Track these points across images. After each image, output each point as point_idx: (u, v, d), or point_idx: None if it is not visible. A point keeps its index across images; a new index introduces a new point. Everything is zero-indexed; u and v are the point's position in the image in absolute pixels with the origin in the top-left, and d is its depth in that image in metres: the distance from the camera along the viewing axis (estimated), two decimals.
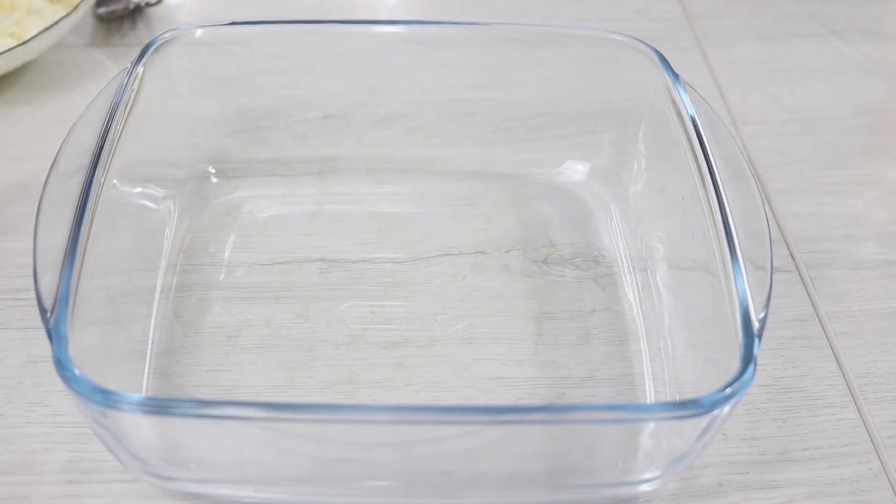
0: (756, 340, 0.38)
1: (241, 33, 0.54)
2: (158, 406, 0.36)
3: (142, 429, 0.38)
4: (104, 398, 0.35)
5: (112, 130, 0.45)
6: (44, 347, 0.37)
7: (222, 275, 0.51)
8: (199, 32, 0.52)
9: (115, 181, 0.44)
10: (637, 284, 0.51)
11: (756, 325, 0.39)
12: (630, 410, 0.39)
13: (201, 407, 0.37)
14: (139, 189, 0.50)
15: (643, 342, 0.49)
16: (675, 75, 0.49)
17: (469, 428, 0.38)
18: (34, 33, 0.60)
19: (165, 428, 0.38)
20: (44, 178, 0.42)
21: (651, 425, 0.39)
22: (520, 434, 0.39)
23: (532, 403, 0.46)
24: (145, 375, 0.46)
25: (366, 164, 0.57)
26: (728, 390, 0.36)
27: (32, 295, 0.38)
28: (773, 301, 0.40)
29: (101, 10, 0.69)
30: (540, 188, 0.57)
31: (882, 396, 0.48)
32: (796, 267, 0.54)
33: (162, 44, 0.50)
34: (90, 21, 0.70)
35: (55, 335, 0.37)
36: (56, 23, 0.61)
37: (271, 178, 0.57)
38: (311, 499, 0.42)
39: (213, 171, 0.56)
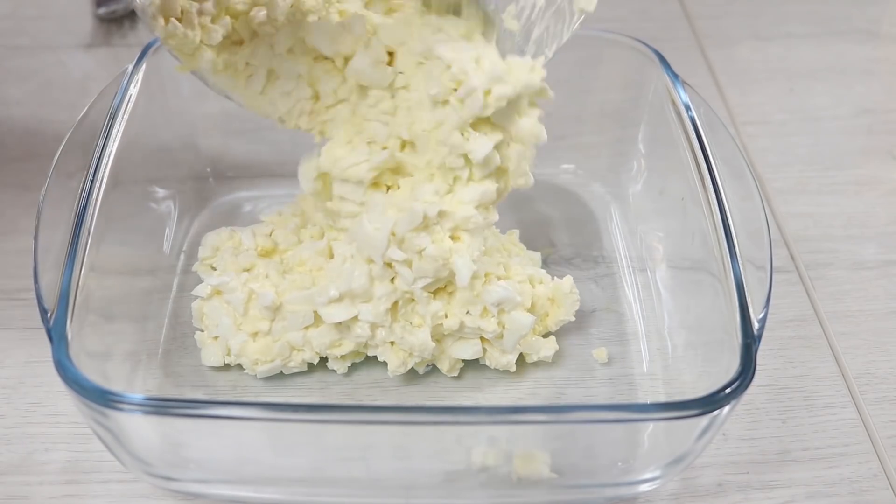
0: (755, 341, 0.38)
1: None
2: (158, 406, 0.36)
3: (142, 429, 0.38)
4: (104, 398, 0.35)
5: (112, 130, 0.45)
6: (44, 347, 0.37)
7: None
8: None
9: (115, 181, 0.44)
10: (637, 284, 0.51)
11: (755, 325, 0.39)
12: (630, 410, 0.39)
13: (201, 407, 0.37)
14: (139, 189, 0.50)
15: (643, 342, 0.49)
16: (675, 75, 0.49)
17: (469, 428, 0.38)
18: None
19: (166, 428, 0.38)
20: (44, 179, 0.42)
21: (651, 425, 0.38)
22: (520, 434, 0.39)
23: (532, 403, 0.46)
24: (145, 375, 0.46)
25: None
26: (727, 390, 0.36)
27: (32, 295, 0.38)
28: (772, 301, 0.40)
29: (101, 10, 0.69)
30: (540, 188, 0.57)
31: (882, 396, 0.48)
32: (796, 267, 0.54)
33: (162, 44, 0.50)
34: (90, 21, 0.70)
35: (55, 335, 0.37)
36: None
37: (271, 178, 0.56)
38: (311, 499, 0.42)
39: (212, 171, 0.56)
